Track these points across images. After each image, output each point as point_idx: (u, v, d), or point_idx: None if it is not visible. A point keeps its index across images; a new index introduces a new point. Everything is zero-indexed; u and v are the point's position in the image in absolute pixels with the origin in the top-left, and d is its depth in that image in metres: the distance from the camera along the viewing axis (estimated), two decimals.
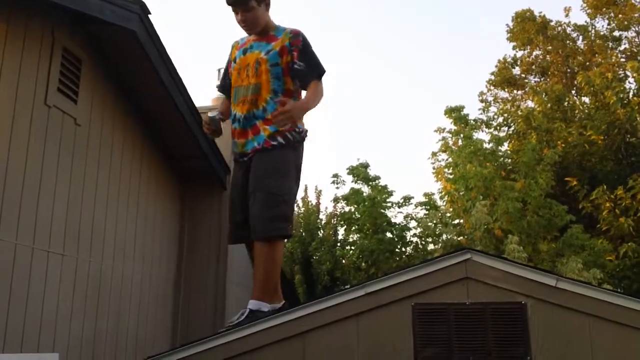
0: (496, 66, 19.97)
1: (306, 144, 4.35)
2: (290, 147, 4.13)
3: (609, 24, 18.53)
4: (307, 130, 4.30)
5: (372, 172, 15.16)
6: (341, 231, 16.11)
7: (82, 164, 5.41)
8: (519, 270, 3.90)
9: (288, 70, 4.13)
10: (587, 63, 17.67)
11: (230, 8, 4.22)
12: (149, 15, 5.59)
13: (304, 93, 4.28)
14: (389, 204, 14.80)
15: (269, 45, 4.19)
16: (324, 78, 4.24)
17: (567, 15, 19.06)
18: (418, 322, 3.88)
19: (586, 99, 15.98)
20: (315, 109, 4.15)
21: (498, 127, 15.81)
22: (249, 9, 4.13)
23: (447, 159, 14.62)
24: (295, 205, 16.86)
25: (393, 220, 14.71)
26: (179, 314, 7.13)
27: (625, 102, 13.82)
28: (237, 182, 4.31)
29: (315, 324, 3.97)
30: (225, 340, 4.05)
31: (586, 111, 15.30)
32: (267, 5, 4.24)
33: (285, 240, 4.29)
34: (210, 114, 4.38)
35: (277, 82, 4.12)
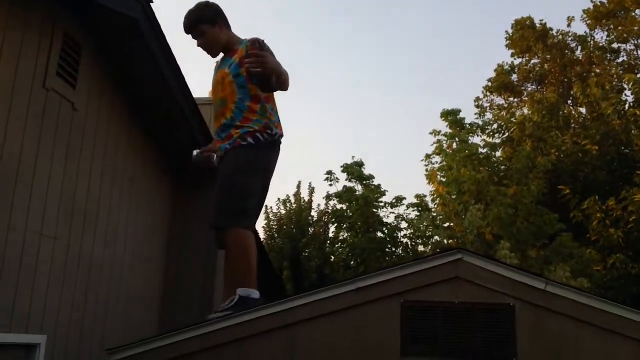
0: (495, 70, 19.98)
1: (281, 148, 4.41)
2: (259, 147, 4.21)
3: (608, 36, 18.59)
4: (281, 135, 4.37)
5: (366, 171, 15.18)
6: (332, 228, 16.13)
7: (78, 148, 5.41)
8: (509, 272, 3.94)
9: (249, 77, 4.19)
10: (585, 74, 17.71)
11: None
12: (151, 4, 5.59)
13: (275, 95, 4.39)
14: (382, 204, 14.84)
15: (230, 59, 4.30)
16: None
17: (569, 25, 19.05)
18: (406, 318, 3.91)
19: (582, 109, 16.03)
20: (279, 84, 4.14)
21: (492, 134, 15.85)
22: (201, 34, 4.30)
23: (440, 162, 14.64)
24: (287, 202, 16.90)
25: (385, 220, 14.74)
26: (168, 300, 7.15)
27: (621, 113, 13.87)
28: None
29: (304, 316, 4.00)
30: (210, 329, 4.08)
31: (581, 121, 15.35)
32: (222, 25, 4.34)
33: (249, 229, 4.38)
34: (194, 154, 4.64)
35: (242, 90, 4.22)
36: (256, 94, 4.22)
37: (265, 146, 4.22)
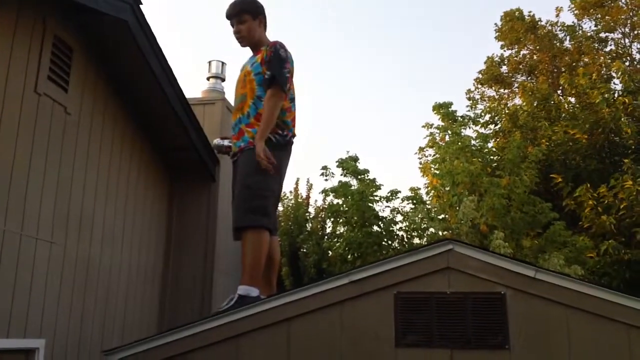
0: (485, 63, 20.05)
1: (294, 148, 4.69)
2: (271, 149, 4.39)
3: (595, 25, 18.67)
4: (293, 135, 4.58)
5: (360, 165, 15.21)
6: (329, 223, 16.14)
7: (72, 152, 5.45)
8: (499, 261, 4.00)
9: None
10: (574, 64, 17.77)
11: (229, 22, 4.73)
12: (141, 6, 5.63)
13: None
14: (377, 198, 14.88)
15: (254, 58, 4.63)
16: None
17: (557, 16, 19.15)
18: (400, 310, 3.96)
19: (572, 99, 16.09)
20: (272, 121, 4.42)
21: (484, 125, 15.89)
22: (242, 21, 4.63)
23: (434, 155, 14.69)
24: (284, 199, 16.91)
25: (380, 214, 14.78)
26: (167, 301, 7.19)
27: (610, 102, 13.93)
28: (233, 179, 4.74)
29: (299, 311, 4.05)
30: (206, 327, 4.13)
31: (571, 111, 15.41)
32: (261, 21, 4.68)
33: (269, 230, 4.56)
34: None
35: (261, 88, 4.50)
36: None
37: (277, 147, 4.45)
